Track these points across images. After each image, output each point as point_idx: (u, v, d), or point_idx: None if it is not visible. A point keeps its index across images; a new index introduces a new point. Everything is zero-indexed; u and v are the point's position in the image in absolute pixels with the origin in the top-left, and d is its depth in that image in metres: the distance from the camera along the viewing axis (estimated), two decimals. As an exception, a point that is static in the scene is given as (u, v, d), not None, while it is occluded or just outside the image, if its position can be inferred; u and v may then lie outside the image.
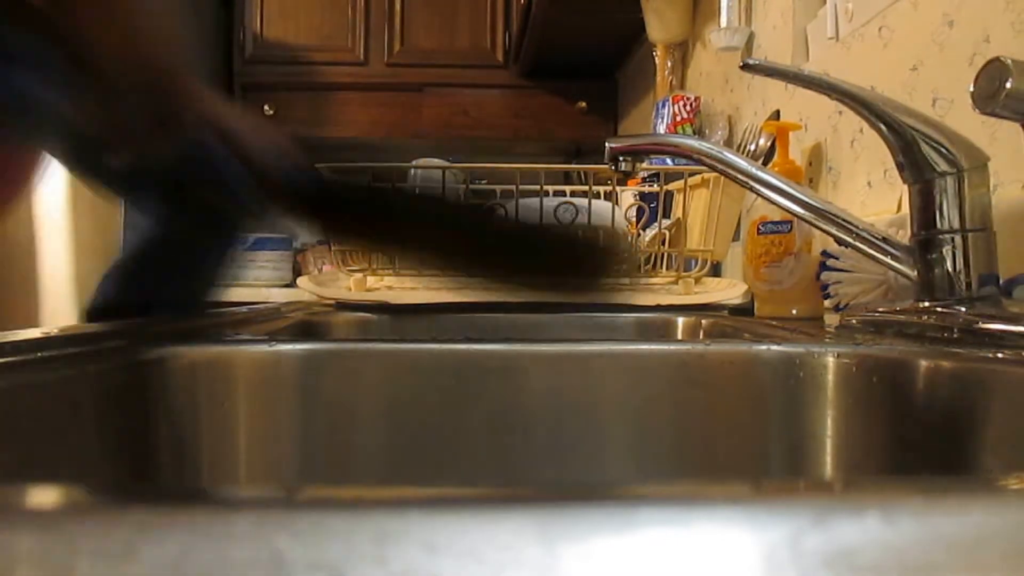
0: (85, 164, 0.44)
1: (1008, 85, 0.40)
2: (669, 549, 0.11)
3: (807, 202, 0.53)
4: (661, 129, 1.52)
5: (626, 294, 0.91)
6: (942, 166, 0.47)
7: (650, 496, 0.12)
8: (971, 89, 0.42)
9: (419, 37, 2.64)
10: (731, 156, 0.57)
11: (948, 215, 0.47)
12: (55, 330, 0.44)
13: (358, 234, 0.55)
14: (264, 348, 0.40)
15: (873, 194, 0.89)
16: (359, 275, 0.94)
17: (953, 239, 0.47)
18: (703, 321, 0.76)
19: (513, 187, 0.95)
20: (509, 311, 0.83)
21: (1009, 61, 0.40)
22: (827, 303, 0.69)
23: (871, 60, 0.91)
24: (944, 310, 0.46)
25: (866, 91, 0.50)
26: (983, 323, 0.42)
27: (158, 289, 0.47)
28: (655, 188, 1.04)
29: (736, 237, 1.05)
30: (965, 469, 0.34)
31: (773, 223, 0.77)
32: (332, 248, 1.06)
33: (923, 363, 0.37)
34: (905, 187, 0.50)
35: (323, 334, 0.81)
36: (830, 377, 0.40)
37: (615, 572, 0.11)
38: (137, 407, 0.35)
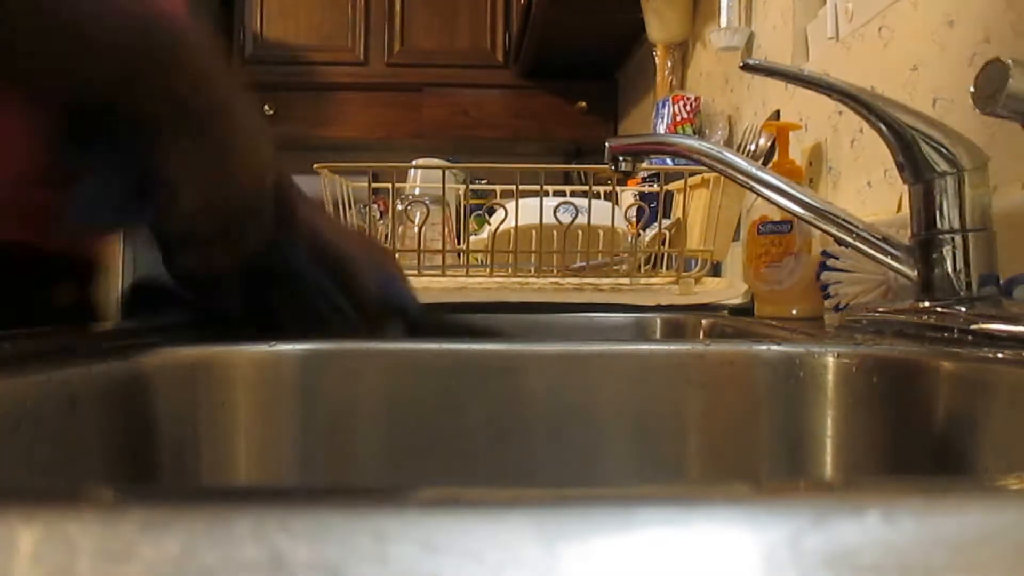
0: (165, 260, 0.42)
1: (1008, 85, 0.40)
2: (669, 549, 0.11)
3: (807, 202, 0.53)
4: (661, 129, 1.52)
5: (626, 294, 0.91)
6: (942, 166, 0.47)
7: (650, 496, 0.12)
8: (971, 89, 0.42)
9: (419, 37, 2.64)
10: (731, 156, 0.57)
11: (948, 215, 0.47)
12: (55, 330, 0.44)
13: None
14: (264, 348, 0.40)
15: (873, 194, 0.89)
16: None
17: (953, 239, 0.47)
18: (703, 321, 0.76)
19: (513, 187, 0.96)
20: (509, 311, 0.83)
21: (1009, 61, 0.40)
22: (827, 303, 0.69)
23: (871, 60, 0.91)
24: (944, 310, 0.46)
25: (866, 91, 0.50)
26: (983, 323, 0.42)
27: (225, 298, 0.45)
28: (655, 188, 1.04)
29: (736, 237, 1.05)
30: (965, 469, 0.34)
31: (773, 223, 0.77)
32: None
33: (923, 363, 0.37)
34: (905, 187, 0.50)
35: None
36: (830, 377, 0.40)
37: (615, 572, 0.11)
38: (137, 407, 0.35)
